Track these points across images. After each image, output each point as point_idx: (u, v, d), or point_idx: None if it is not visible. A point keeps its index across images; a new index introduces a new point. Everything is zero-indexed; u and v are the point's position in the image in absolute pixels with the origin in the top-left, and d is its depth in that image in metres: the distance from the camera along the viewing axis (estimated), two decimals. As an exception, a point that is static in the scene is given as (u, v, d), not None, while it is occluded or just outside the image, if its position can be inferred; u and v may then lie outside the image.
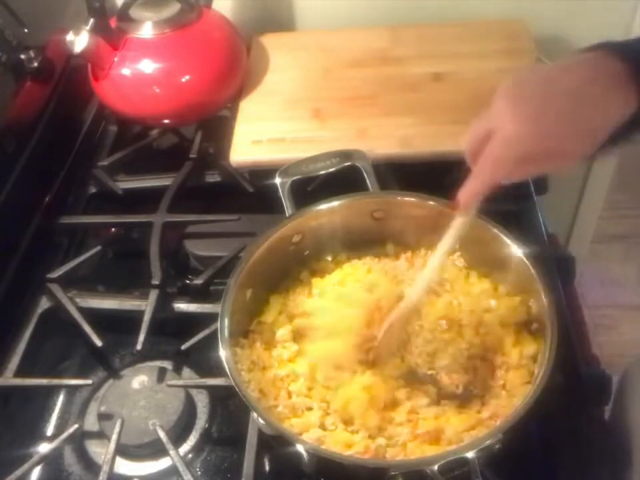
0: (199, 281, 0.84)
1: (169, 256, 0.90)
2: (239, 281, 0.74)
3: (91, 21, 0.93)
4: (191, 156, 1.01)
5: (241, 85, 1.05)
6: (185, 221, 0.93)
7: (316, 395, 0.72)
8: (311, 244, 0.82)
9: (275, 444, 0.69)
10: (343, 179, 0.85)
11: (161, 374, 0.78)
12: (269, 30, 1.14)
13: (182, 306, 0.84)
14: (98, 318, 0.82)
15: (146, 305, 0.81)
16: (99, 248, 0.90)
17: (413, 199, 0.81)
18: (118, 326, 0.83)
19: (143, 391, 0.76)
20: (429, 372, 0.73)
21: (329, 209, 0.80)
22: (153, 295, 0.82)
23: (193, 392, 0.78)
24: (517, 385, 0.70)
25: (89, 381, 0.76)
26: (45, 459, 0.72)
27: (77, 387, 0.79)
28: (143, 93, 0.98)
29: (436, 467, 0.60)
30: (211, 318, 0.76)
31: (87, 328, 0.80)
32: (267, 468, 0.72)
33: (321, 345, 0.74)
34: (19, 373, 0.78)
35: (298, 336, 0.76)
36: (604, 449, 0.70)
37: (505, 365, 0.72)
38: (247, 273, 0.75)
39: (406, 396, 0.71)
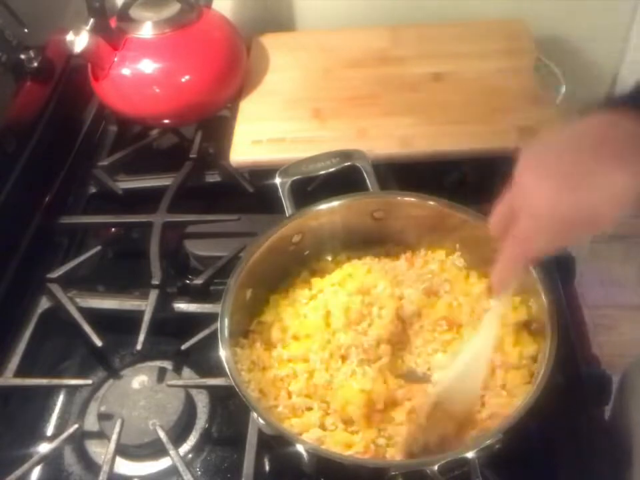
0: (199, 281, 0.84)
1: (169, 256, 0.90)
2: (239, 281, 0.74)
3: (91, 21, 0.93)
4: (191, 156, 1.01)
5: (241, 85, 1.05)
6: (185, 221, 0.93)
7: (316, 395, 0.72)
8: (311, 244, 0.82)
9: (275, 444, 0.69)
10: (343, 179, 0.85)
11: (161, 374, 0.78)
12: (269, 30, 1.14)
13: (182, 306, 0.84)
14: (98, 318, 0.82)
15: (146, 305, 0.81)
16: (98, 248, 0.90)
17: (412, 199, 0.81)
18: (118, 326, 0.83)
19: (143, 390, 0.76)
20: (429, 372, 0.74)
21: (329, 208, 0.80)
22: (153, 295, 0.82)
23: (193, 392, 0.77)
24: (517, 384, 0.70)
25: (89, 381, 0.76)
26: (44, 459, 0.72)
27: (77, 387, 0.79)
28: (143, 93, 0.98)
29: (436, 467, 0.60)
30: (210, 318, 0.76)
31: (87, 328, 0.80)
32: (267, 468, 0.72)
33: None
34: (19, 373, 0.78)
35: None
36: (604, 449, 0.70)
37: (505, 365, 0.72)
38: (247, 273, 0.75)
39: (406, 396, 0.71)
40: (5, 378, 0.77)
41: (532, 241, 0.61)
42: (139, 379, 0.77)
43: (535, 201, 0.59)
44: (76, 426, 0.73)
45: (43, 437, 0.77)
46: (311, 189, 0.88)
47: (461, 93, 0.99)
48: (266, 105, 1.02)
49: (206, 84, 0.99)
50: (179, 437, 0.74)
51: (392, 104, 0.99)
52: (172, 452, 0.70)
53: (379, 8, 1.15)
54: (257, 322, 0.78)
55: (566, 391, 0.70)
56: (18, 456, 0.73)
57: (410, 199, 0.81)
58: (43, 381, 0.77)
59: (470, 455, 0.60)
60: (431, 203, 0.79)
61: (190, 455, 0.74)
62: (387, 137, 0.94)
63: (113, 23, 0.98)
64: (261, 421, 0.66)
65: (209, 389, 0.77)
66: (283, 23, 1.18)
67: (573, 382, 0.73)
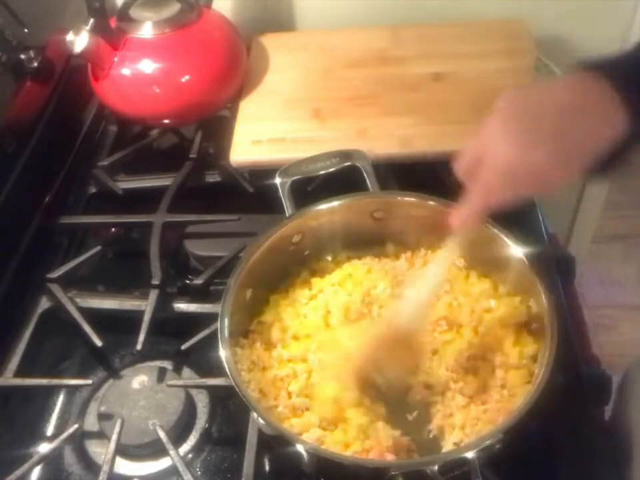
0: (199, 281, 0.84)
1: (169, 256, 0.90)
2: (239, 281, 0.74)
3: (91, 21, 0.93)
4: (191, 156, 1.01)
5: (241, 84, 1.05)
6: (185, 221, 0.93)
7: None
8: (311, 244, 0.82)
9: (275, 444, 0.69)
10: (343, 179, 0.85)
11: (161, 374, 0.78)
12: (269, 30, 1.14)
13: (182, 306, 0.84)
14: (98, 318, 0.82)
15: (146, 305, 0.81)
16: (98, 248, 0.90)
17: (412, 199, 0.81)
18: (118, 326, 0.83)
19: (143, 390, 0.76)
20: (429, 372, 0.74)
21: (329, 208, 0.80)
22: (153, 295, 0.82)
23: (193, 392, 0.77)
24: (517, 384, 0.70)
25: (89, 381, 0.76)
26: (44, 459, 0.72)
27: (77, 387, 0.79)
28: (143, 93, 0.98)
29: (436, 467, 0.60)
30: (210, 318, 0.76)
31: (87, 328, 0.80)
32: (267, 468, 0.72)
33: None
34: (19, 373, 0.78)
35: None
36: (604, 449, 0.70)
37: (505, 365, 0.72)
38: (247, 273, 0.75)
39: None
40: (5, 378, 0.77)
41: (491, 190, 0.64)
42: (139, 379, 0.77)
43: (498, 156, 0.62)
44: (76, 426, 0.73)
45: (43, 437, 0.77)
46: (311, 189, 0.88)
47: (461, 93, 0.99)
48: (266, 104, 1.02)
49: (206, 84, 0.99)
50: (179, 437, 0.74)
51: (392, 104, 0.99)
52: (172, 452, 0.70)
53: (378, 8, 1.15)
54: (257, 322, 0.78)
55: (566, 391, 0.70)
56: (18, 456, 0.73)
57: (410, 199, 0.81)
58: (43, 381, 0.77)
59: (470, 455, 0.60)
60: (431, 203, 0.80)
61: (190, 455, 0.74)
62: (387, 137, 0.94)
63: (113, 22, 0.98)
64: (260, 420, 0.66)
65: (209, 388, 0.77)
66: (283, 23, 1.18)
67: (573, 382, 0.73)
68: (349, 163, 0.85)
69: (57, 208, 0.96)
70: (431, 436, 0.70)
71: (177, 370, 0.79)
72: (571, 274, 0.84)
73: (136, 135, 1.09)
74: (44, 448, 0.73)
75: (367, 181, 0.83)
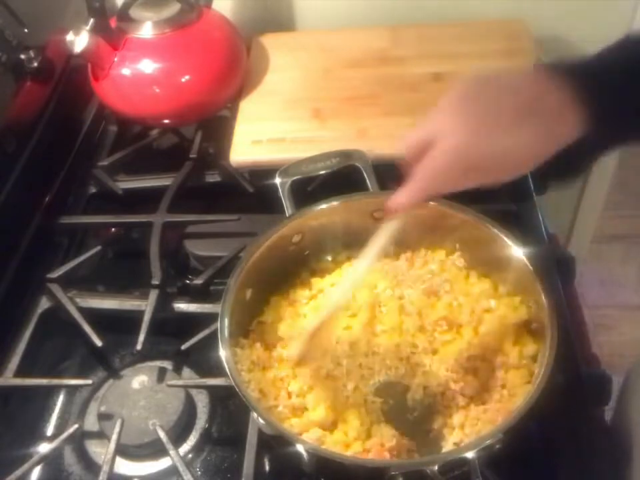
0: (199, 281, 0.84)
1: (169, 256, 0.90)
2: (239, 280, 0.74)
3: (91, 21, 0.93)
4: (191, 156, 1.01)
5: (241, 85, 1.05)
6: (185, 221, 0.93)
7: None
8: (311, 244, 0.82)
9: (275, 444, 0.69)
10: (343, 179, 0.85)
11: (161, 374, 0.78)
12: (269, 30, 1.14)
13: (182, 306, 0.84)
14: (98, 318, 0.82)
15: (146, 305, 0.81)
16: (98, 248, 0.90)
17: (412, 199, 0.80)
18: (118, 326, 0.83)
19: (143, 390, 0.76)
20: (429, 372, 0.74)
21: (329, 208, 0.80)
22: (153, 295, 0.82)
23: (193, 392, 0.77)
24: (517, 384, 0.70)
25: (89, 381, 0.76)
26: (44, 459, 0.72)
27: (77, 387, 0.79)
28: (143, 92, 0.98)
29: (436, 467, 0.60)
30: (210, 318, 0.76)
31: (87, 328, 0.80)
32: (267, 468, 0.72)
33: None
34: (19, 373, 0.78)
35: None
36: (604, 449, 0.70)
37: (505, 365, 0.72)
38: (247, 273, 0.75)
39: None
40: (5, 378, 0.77)
41: (438, 175, 0.62)
42: (139, 379, 0.77)
43: (450, 136, 0.60)
44: (76, 426, 0.73)
45: (43, 437, 0.77)
46: (311, 189, 0.88)
47: (461, 92, 0.99)
48: (266, 104, 1.02)
49: (206, 84, 0.99)
50: (179, 437, 0.74)
51: (392, 104, 0.99)
52: (172, 452, 0.70)
53: (378, 8, 1.15)
54: (257, 322, 0.78)
55: (566, 391, 0.70)
56: (18, 456, 0.73)
57: (410, 199, 0.81)
58: (43, 381, 0.77)
59: (470, 455, 0.60)
60: (431, 203, 0.79)
61: (190, 455, 0.74)
62: (387, 137, 0.94)
63: (113, 22, 0.98)
64: (261, 420, 0.66)
65: (209, 388, 0.77)
66: (283, 22, 1.18)
67: (573, 382, 0.73)
68: (348, 163, 0.85)
69: (57, 208, 0.96)
70: (430, 436, 0.70)
71: (177, 370, 0.79)
72: (571, 274, 0.84)
73: (136, 135, 1.09)
74: (44, 448, 0.73)
75: (367, 181, 0.83)
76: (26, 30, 0.93)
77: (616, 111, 0.60)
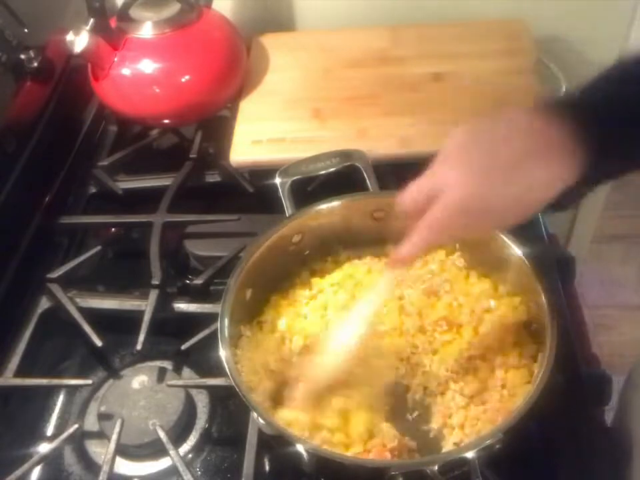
0: (199, 281, 0.84)
1: (169, 256, 0.90)
2: (239, 281, 0.74)
3: (91, 20, 0.93)
4: (191, 156, 1.01)
5: (241, 84, 1.05)
6: (185, 221, 0.93)
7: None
8: (311, 244, 0.82)
9: (275, 444, 0.69)
10: (343, 179, 0.85)
11: (161, 374, 0.78)
12: (269, 30, 1.14)
13: (182, 306, 0.84)
14: (98, 318, 0.82)
15: (146, 305, 0.81)
16: (99, 248, 0.90)
17: (413, 199, 0.80)
18: (118, 326, 0.83)
19: (143, 390, 0.76)
20: (429, 372, 0.74)
21: (329, 208, 0.80)
22: (153, 295, 0.82)
23: (193, 392, 0.77)
24: (517, 384, 0.70)
25: (89, 381, 0.76)
26: (44, 459, 0.72)
27: (77, 387, 0.79)
28: (143, 92, 0.98)
29: (436, 467, 0.60)
30: (210, 318, 0.76)
31: (87, 328, 0.80)
32: (267, 468, 0.72)
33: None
34: (19, 372, 0.78)
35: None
36: (604, 449, 0.70)
37: (505, 365, 0.72)
38: (247, 273, 0.75)
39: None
40: (5, 378, 0.77)
41: (444, 227, 0.62)
42: (139, 379, 0.77)
43: (453, 192, 0.60)
44: (76, 426, 0.73)
45: (43, 437, 0.77)
46: (311, 189, 0.88)
47: (461, 93, 0.99)
48: (266, 104, 1.02)
49: (206, 84, 0.99)
50: (179, 437, 0.74)
51: (392, 104, 0.99)
52: (172, 452, 0.70)
53: (378, 8, 1.15)
54: (257, 322, 0.78)
55: (566, 391, 0.70)
56: (18, 456, 0.73)
57: (410, 199, 0.81)
58: (43, 381, 0.77)
59: (470, 455, 0.60)
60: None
61: (190, 455, 0.74)
62: (387, 137, 0.94)
63: (113, 23, 0.98)
64: (261, 420, 0.66)
65: (209, 388, 0.77)
66: (283, 22, 1.18)
67: (573, 382, 0.73)
68: (348, 163, 0.85)
69: (57, 208, 0.96)
70: (431, 436, 0.70)
71: (177, 370, 0.79)
72: (571, 274, 0.84)
73: (136, 135, 1.09)
74: (44, 448, 0.73)
75: (367, 181, 0.83)
76: (26, 30, 0.93)
77: (617, 143, 0.60)
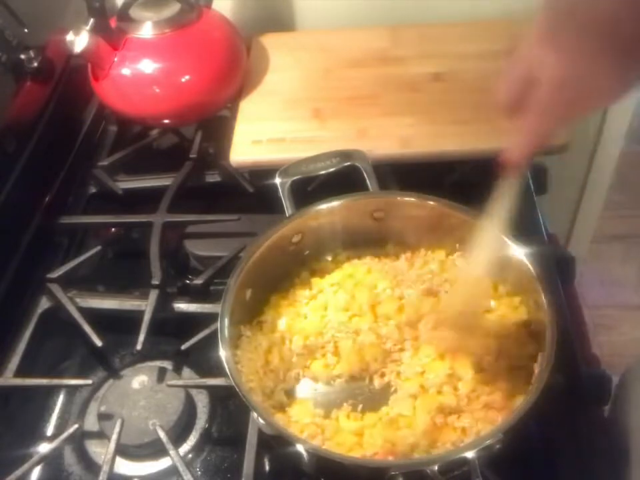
0: (199, 281, 0.84)
1: (169, 256, 0.90)
2: (239, 281, 0.74)
3: (91, 20, 0.93)
4: (191, 156, 1.00)
5: (241, 84, 1.05)
6: (185, 221, 0.93)
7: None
8: (311, 244, 0.82)
9: (275, 444, 0.69)
10: (343, 179, 0.85)
11: (161, 374, 0.78)
12: (269, 30, 1.14)
13: (182, 306, 0.84)
14: (98, 318, 0.82)
15: (146, 305, 0.81)
16: (99, 248, 0.90)
17: (412, 199, 0.81)
18: (118, 326, 0.83)
19: (143, 391, 0.76)
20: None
21: (329, 208, 0.80)
22: (153, 295, 0.82)
23: (193, 392, 0.77)
24: (517, 385, 0.70)
25: (89, 381, 0.76)
26: (44, 459, 0.72)
27: (77, 387, 0.79)
28: (143, 92, 0.98)
29: (436, 467, 0.60)
30: (210, 318, 0.76)
31: (87, 328, 0.80)
32: (267, 468, 0.72)
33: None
34: (19, 373, 0.78)
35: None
36: (604, 449, 0.70)
37: (505, 364, 0.72)
38: (247, 273, 0.75)
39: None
40: (5, 378, 0.77)
41: (551, 112, 0.59)
42: (139, 379, 0.77)
43: (552, 69, 0.57)
44: (76, 426, 0.73)
45: (43, 437, 0.77)
46: (311, 189, 0.88)
47: (461, 92, 0.99)
48: (266, 104, 1.02)
49: (206, 84, 0.99)
50: (179, 437, 0.74)
51: (392, 104, 0.99)
52: (172, 452, 0.70)
53: (378, 8, 1.15)
54: (257, 322, 0.78)
55: (566, 391, 0.70)
56: (18, 456, 0.73)
57: (410, 199, 0.81)
58: (43, 381, 0.77)
59: (470, 455, 0.60)
60: (431, 203, 0.79)
61: (190, 455, 0.74)
62: (387, 137, 0.94)
63: (113, 23, 0.98)
64: (260, 420, 0.66)
65: (209, 388, 0.77)
66: (283, 23, 1.17)
67: (573, 382, 0.73)
68: (348, 163, 0.85)
69: (57, 208, 0.96)
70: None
71: (177, 370, 0.79)
72: (570, 274, 0.84)
73: (136, 135, 1.09)
74: (44, 448, 0.73)
75: (367, 181, 0.83)
76: (26, 30, 0.93)
77: None
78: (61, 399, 0.80)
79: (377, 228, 0.83)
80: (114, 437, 0.71)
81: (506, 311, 0.75)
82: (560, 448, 0.70)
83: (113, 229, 0.98)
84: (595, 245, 1.57)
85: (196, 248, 0.90)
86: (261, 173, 0.94)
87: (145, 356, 0.80)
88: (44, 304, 0.85)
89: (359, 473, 0.64)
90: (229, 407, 0.77)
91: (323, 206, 0.80)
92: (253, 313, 0.78)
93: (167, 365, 0.80)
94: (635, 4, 0.54)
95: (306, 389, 0.75)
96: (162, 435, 0.71)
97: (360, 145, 0.89)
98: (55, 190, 0.97)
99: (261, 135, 0.97)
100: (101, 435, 0.74)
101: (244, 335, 0.75)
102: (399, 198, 0.82)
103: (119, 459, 0.71)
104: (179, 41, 0.98)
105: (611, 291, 1.92)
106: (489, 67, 1.02)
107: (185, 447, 0.74)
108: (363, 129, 0.96)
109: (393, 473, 0.60)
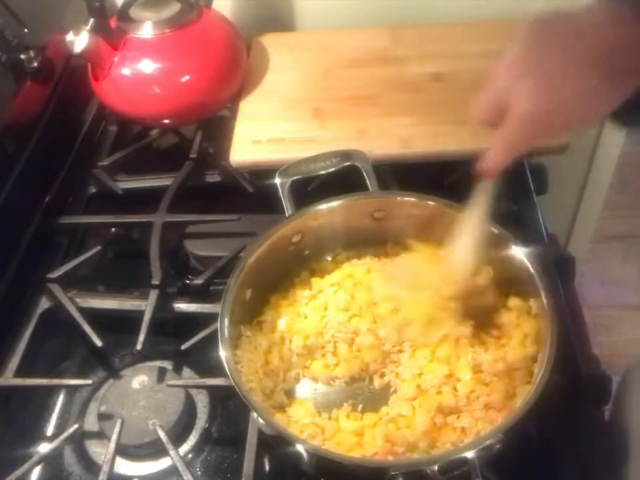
0: (199, 281, 0.84)
1: (169, 256, 0.90)
2: (239, 280, 0.74)
3: (91, 20, 0.93)
4: (191, 156, 1.00)
5: (241, 84, 1.05)
6: (185, 221, 0.93)
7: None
8: (311, 244, 0.82)
9: (275, 444, 0.69)
10: (343, 179, 0.85)
11: (161, 374, 0.78)
12: (269, 30, 1.14)
13: (182, 306, 0.84)
14: (98, 318, 0.82)
15: (146, 305, 0.81)
16: (99, 248, 0.90)
17: (412, 199, 0.81)
18: (118, 326, 0.83)
19: (143, 391, 0.76)
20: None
21: (329, 208, 0.80)
22: (153, 295, 0.82)
23: (193, 392, 0.77)
24: (517, 385, 0.70)
25: (89, 381, 0.76)
26: (44, 459, 0.72)
27: (77, 387, 0.79)
28: (143, 92, 0.98)
29: (436, 467, 0.60)
30: (210, 318, 0.76)
31: (87, 328, 0.80)
32: (267, 468, 0.72)
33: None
34: (19, 373, 0.78)
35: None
36: (604, 449, 0.70)
37: (505, 365, 0.72)
38: (247, 273, 0.75)
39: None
40: (5, 378, 0.77)
41: (516, 142, 0.63)
42: (139, 379, 0.77)
43: (522, 102, 0.60)
44: (76, 426, 0.73)
45: (43, 437, 0.77)
46: (311, 189, 0.88)
47: (461, 92, 0.98)
48: (266, 104, 1.02)
49: (206, 84, 0.99)
50: (179, 437, 0.74)
51: (392, 104, 0.99)
52: (172, 452, 0.70)
53: (378, 8, 1.15)
54: (257, 322, 0.78)
55: (566, 390, 0.70)
56: (18, 456, 0.73)
57: (410, 199, 0.81)
58: (43, 381, 0.77)
59: (470, 454, 0.60)
60: (431, 203, 0.79)
61: (190, 455, 0.74)
62: (387, 137, 0.94)
63: (113, 23, 0.98)
64: (260, 421, 0.66)
65: (209, 388, 0.77)
66: (283, 23, 1.18)
67: (573, 382, 0.73)
68: (348, 163, 0.85)
69: (57, 208, 0.96)
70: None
71: (177, 370, 0.79)
72: (570, 274, 0.84)
73: (136, 135, 1.09)
74: (44, 448, 0.73)
75: (367, 181, 0.83)
76: (26, 30, 0.93)
77: None
78: (61, 399, 0.80)
79: (376, 228, 0.83)
80: (114, 437, 0.71)
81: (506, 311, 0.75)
82: (560, 448, 0.70)
83: (113, 229, 0.98)
84: (595, 244, 1.57)
85: (196, 248, 0.90)
86: (260, 173, 0.94)
87: (145, 356, 0.80)
88: (44, 304, 0.85)
89: (358, 472, 0.64)
90: (229, 407, 0.77)
91: (323, 206, 0.80)
92: (252, 313, 0.78)
93: (167, 364, 0.80)
94: (626, 37, 0.56)
95: (306, 389, 0.75)
96: (162, 435, 0.71)
97: (360, 145, 0.89)
98: (55, 190, 0.97)
99: (261, 135, 0.97)
100: (101, 435, 0.74)
101: (244, 335, 0.75)
102: (398, 198, 0.82)
103: (119, 459, 0.71)
104: (179, 41, 0.98)
105: (611, 291, 1.92)
106: (489, 67, 1.02)
107: (185, 447, 0.74)
108: (362, 128, 0.96)
109: (392, 472, 0.60)
